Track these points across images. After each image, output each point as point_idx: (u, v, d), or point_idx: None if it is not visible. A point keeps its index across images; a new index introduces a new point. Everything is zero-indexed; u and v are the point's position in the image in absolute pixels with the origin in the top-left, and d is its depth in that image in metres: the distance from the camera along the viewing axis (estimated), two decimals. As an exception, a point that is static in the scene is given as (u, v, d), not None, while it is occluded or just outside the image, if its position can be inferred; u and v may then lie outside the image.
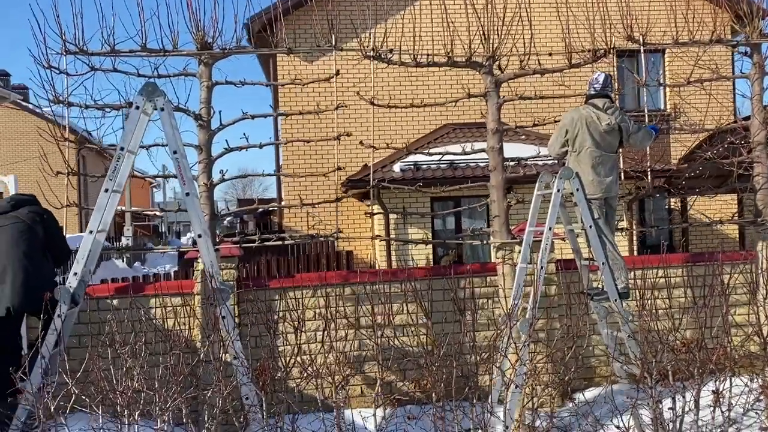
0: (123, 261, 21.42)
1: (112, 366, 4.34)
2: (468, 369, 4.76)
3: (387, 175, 12.94)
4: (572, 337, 5.24)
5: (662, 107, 15.30)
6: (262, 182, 50.49)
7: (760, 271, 5.95)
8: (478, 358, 4.81)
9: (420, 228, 13.61)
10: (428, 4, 8.18)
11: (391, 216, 13.26)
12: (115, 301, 6.11)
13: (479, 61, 6.76)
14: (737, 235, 14.76)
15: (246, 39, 11.28)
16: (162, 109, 5.45)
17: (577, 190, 6.00)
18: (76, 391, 4.20)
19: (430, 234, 13.59)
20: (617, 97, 12.50)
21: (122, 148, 5.45)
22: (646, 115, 7.86)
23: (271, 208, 19.46)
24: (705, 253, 6.90)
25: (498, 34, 6.63)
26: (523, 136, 12.74)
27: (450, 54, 6.74)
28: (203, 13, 6.46)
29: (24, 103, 22.75)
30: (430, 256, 13.47)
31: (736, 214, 9.07)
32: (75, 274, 5.32)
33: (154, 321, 5.66)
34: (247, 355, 5.25)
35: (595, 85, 6.38)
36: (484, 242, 7.55)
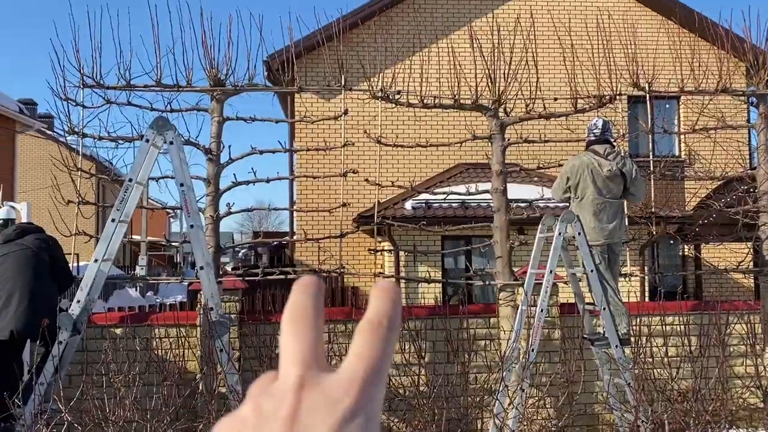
0: (136, 290, 21.58)
1: (106, 395, 4.39)
2: (461, 412, 4.72)
3: (398, 212, 13.00)
4: (568, 383, 5.18)
5: (677, 153, 15.28)
6: (278, 216, 50.82)
7: (760, 322, 5.86)
8: (469, 400, 4.77)
9: (430, 266, 13.60)
10: (436, 47, 8.34)
11: (401, 253, 13.28)
12: (118, 330, 6.18)
13: (485, 104, 6.86)
14: (753, 284, 14.54)
15: (265, 76, 11.56)
16: (171, 143, 5.59)
17: (579, 234, 6.01)
18: (69, 419, 4.24)
19: (440, 272, 13.57)
20: (628, 142, 12.52)
21: (131, 180, 5.58)
22: (651, 162, 7.86)
23: (284, 242, 19.58)
24: (708, 302, 6.83)
25: (504, 77, 6.73)
26: (536, 178, 12.79)
27: (456, 96, 6.85)
28: (217, 51, 6.67)
29: (48, 132, 23.29)
30: (439, 295, 13.42)
31: (751, 263, 8.98)
32: (78, 301, 5.40)
33: (148, 351, 5.70)
34: (244, 387, 5.27)
35: (595, 131, 6.39)
36: (487, 283, 7.54)
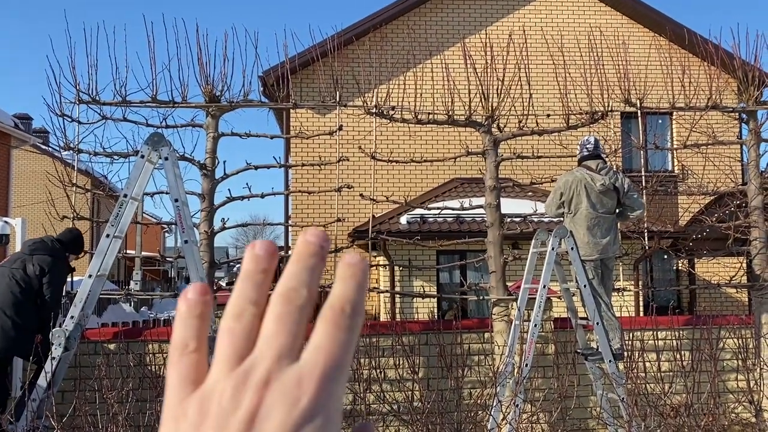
0: (130, 305, 21.50)
1: (99, 411, 4.37)
2: (454, 427, 4.72)
3: (393, 226, 13.03)
4: (562, 398, 5.19)
5: (670, 168, 15.38)
6: (273, 231, 50.73)
7: (753, 336, 5.89)
8: (463, 416, 4.78)
9: (425, 281, 13.61)
10: (430, 64, 8.42)
11: (396, 267, 13.28)
12: (111, 346, 6.16)
13: (478, 120, 6.91)
14: (746, 299, 14.58)
15: (261, 91, 11.63)
16: (166, 158, 5.62)
17: (572, 249, 6.04)
18: (61, 435, 4.23)
19: (435, 287, 13.57)
20: (621, 158, 12.59)
21: (125, 195, 5.60)
22: (644, 177, 7.92)
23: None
24: (700, 316, 6.86)
25: (497, 94, 6.80)
26: (530, 193, 12.85)
27: (450, 112, 6.91)
28: (213, 67, 6.72)
29: (43, 147, 23.28)
30: (435, 310, 13.42)
31: (743, 278, 9.03)
32: (72, 317, 5.39)
33: (142, 367, 5.69)
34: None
35: (588, 146, 6.44)
36: (482, 298, 7.56)
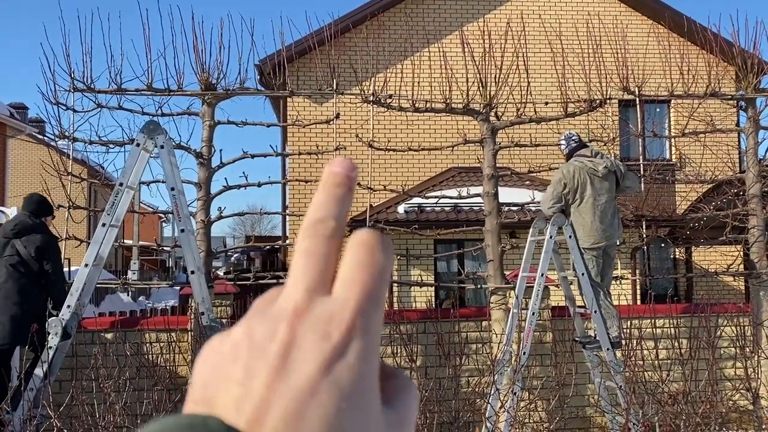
0: (128, 295, 21.50)
1: (96, 400, 4.37)
2: (452, 415, 4.73)
3: (391, 216, 13.01)
4: (560, 386, 5.20)
5: (668, 157, 15.36)
6: (270, 220, 50.70)
7: (750, 324, 5.90)
8: (461, 404, 4.78)
9: (423, 270, 13.61)
10: (428, 51, 8.37)
11: (394, 257, 13.27)
12: (108, 335, 6.15)
13: (476, 109, 6.88)
14: (743, 287, 14.62)
15: (257, 80, 11.57)
16: (162, 147, 5.58)
17: (570, 237, 6.02)
18: (58, 425, 4.22)
19: (433, 276, 13.57)
20: (619, 146, 12.57)
21: (121, 184, 5.56)
22: (642, 165, 7.91)
23: (277, 246, 19.55)
24: (698, 304, 6.87)
25: (495, 82, 6.76)
26: (528, 182, 12.83)
27: (448, 100, 6.87)
28: (209, 55, 6.67)
29: (39, 136, 23.18)
30: (432, 299, 13.43)
31: (741, 266, 9.04)
32: (68, 306, 5.37)
33: (139, 356, 5.68)
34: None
35: (573, 138, 6.39)
36: (479, 286, 7.55)
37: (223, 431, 0.32)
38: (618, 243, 6.91)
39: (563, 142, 6.40)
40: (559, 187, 6.22)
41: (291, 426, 0.34)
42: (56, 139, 6.74)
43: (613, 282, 7.15)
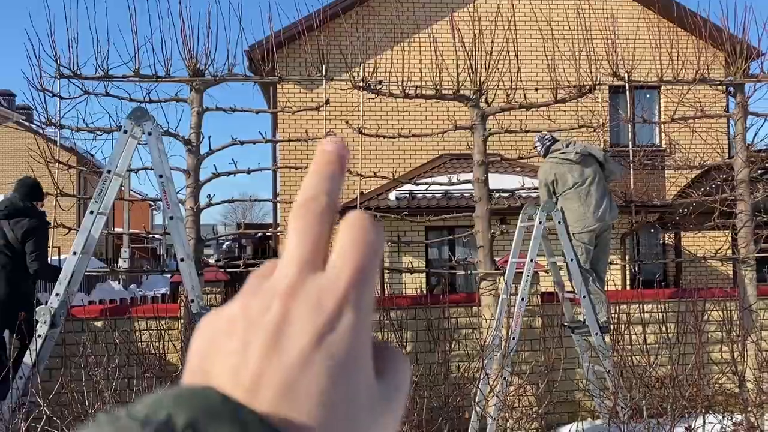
0: (119, 283, 21.44)
1: (85, 388, 4.36)
2: (442, 400, 4.76)
3: (382, 202, 13.01)
4: (549, 371, 5.23)
5: (657, 143, 15.41)
6: (262, 207, 50.57)
7: (737, 308, 5.95)
8: (451, 389, 4.81)
9: (414, 256, 13.64)
10: (418, 37, 8.33)
11: (385, 243, 13.28)
12: (98, 323, 6.13)
13: (466, 95, 6.86)
14: (731, 272, 14.73)
15: (246, 66, 11.49)
16: (150, 134, 5.53)
17: (559, 223, 6.05)
18: (48, 413, 4.22)
19: (424, 262, 13.60)
20: (609, 132, 12.59)
21: (109, 171, 5.52)
22: (631, 151, 7.93)
23: (268, 233, 19.52)
24: (685, 289, 6.92)
25: (485, 67, 6.74)
26: (518, 168, 12.84)
27: (438, 86, 6.85)
28: (196, 40, 6.61)
29: (26, 123, 22.97)
30: (423, 285, 13.46)
31: (729, 251, 9.11)
32: (57, 294, 5.34)
33: (128, 344, 5.67)
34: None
35: (546, 137, 6.61)
36: (469, 272, 7.58)
37: (221, 401, 0.33)
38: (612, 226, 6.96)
39: (538, 144, 6.65)
40: (543, 189, 6.52)
41: (286, 396, 0.35)
42: (43, 126, 6.67)
43: (603, 267, 7.19)
